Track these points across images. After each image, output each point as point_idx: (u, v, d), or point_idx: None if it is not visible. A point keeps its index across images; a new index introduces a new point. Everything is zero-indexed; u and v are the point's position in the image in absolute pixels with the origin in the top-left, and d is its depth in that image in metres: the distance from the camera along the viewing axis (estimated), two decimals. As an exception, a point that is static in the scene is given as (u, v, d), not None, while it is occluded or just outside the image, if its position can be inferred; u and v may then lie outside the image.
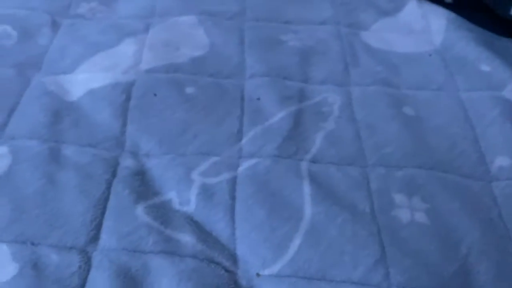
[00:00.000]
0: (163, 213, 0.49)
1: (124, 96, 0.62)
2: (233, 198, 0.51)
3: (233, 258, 0.46)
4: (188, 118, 0.60)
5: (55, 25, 0.76)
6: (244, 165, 0.54)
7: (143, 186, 0.52)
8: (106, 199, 0.50)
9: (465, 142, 0.58)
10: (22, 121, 0.59)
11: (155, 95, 0.62)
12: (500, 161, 0.56)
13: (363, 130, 0.59)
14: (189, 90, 0.63)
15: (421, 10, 0.80)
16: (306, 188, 0.51)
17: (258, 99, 0.62)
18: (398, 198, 0.51)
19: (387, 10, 0.81)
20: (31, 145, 0.55)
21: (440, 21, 0.77)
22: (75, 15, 0.78)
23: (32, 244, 0.45)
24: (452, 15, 0.78)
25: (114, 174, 0.53)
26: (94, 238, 0.46)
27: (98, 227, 0.47)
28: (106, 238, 0.46)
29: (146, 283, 0.43)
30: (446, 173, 0.54)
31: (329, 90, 0.64)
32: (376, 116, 0.61)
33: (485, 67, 0.69)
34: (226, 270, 0.45)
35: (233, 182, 0.52)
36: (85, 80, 0.65)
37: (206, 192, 0.51)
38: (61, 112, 0.60)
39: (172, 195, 0.51)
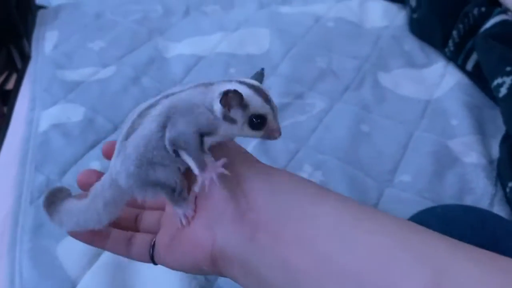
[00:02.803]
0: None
1: (194, 62, 0.97)
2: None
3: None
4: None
5: (187, 12, 1.15)
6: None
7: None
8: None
9: (389, 159, 0.78)
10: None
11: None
12: (404, 177, 0.75)
13: (321, 126, 0.83)
14: (232, 70, 0.95)
15: (444, 70, 0.98)
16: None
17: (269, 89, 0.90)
18: (306, 167, 0.75)
19: (417, 63, 1.00)
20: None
21: (451, 81, 0.94)
22: (202, 11, 1.16)
23: (97, 112, 0.82)
24: (465, 80, 0.94)
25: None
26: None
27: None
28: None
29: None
30: (356, 169, 0.76)
31: (320, 99, 0.89)
32: (337, 124, 0.84)
33: (454, 121, 0.85)
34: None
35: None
36: (181, 48, 1.02)
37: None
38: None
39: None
